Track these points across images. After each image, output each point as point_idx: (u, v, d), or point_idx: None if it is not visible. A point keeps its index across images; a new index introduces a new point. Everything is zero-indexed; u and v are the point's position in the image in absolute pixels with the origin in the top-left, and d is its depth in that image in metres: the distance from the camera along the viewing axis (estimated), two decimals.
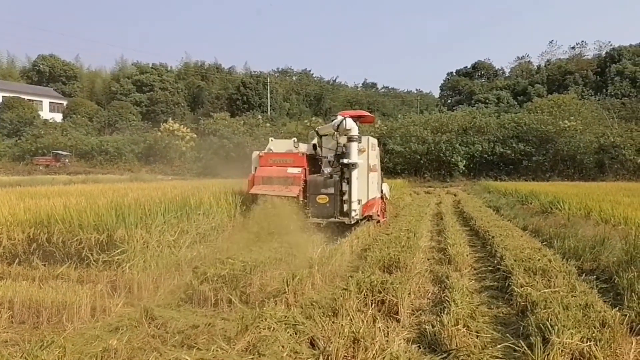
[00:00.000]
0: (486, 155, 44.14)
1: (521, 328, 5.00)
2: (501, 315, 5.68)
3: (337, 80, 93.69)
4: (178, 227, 8.30)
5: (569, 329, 4.34)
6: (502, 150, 43.70)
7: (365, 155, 11.42)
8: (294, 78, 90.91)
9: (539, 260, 7.53)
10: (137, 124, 64.21)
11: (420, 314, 5.62)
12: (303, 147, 11.78)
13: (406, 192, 26.28)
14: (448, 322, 4.73)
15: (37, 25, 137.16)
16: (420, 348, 4.67)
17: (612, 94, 61.86)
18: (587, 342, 4.19)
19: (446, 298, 5.66)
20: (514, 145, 43.57)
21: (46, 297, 5.51)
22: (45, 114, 67.13)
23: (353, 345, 4.39)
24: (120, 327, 5.08)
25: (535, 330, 4.55)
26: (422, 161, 44.61)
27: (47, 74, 79.04)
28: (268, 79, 76.01)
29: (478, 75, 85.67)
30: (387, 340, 4.61)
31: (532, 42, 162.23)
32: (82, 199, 9.73)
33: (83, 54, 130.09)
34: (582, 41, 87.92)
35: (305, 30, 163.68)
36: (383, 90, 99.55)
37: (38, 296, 5.55)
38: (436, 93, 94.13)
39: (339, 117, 11.01)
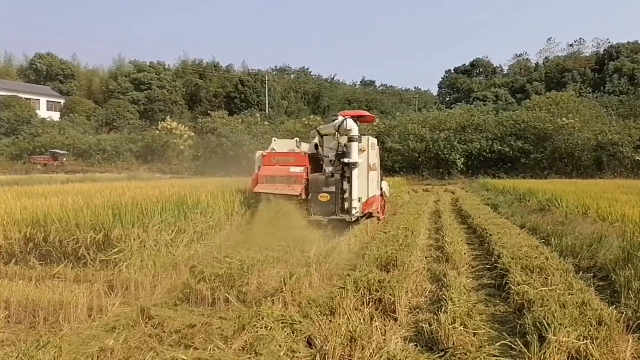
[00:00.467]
0: (484, 153, 44.15)
1: (518, 326, 5.01)
2: (498, 313, 5.68)
3: (335, 78, 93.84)
4: (175, 226, 8.30)
5: (565, 327, 4.34)
6: (500, 147, 43.71)
7: (365, 154, 11.64)
8: (292, 76, 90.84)
9: (536, 258, 7.54)
10: (134, 123, 64.10)
11: (418, 313, 5.61)
12: (305, 147, 12.06)
13: (404, 190, 26.29)
14: (445, 321, 4.74)
15: (35, 24, 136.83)
16: (417, 346, 4.67)
17: (610, 91, 61.94)
18: (583, 340, 4.20)
19: (443, 296, 5.66)
20: (512, 142, 43.60)
21: (43, 296, 5.49)
22: (43, 112, 66.88)
23: (350, 344, 4.38)
24: (117, 326, 5.07)
25: (532, 328, 4.55)
26: (420, 159, 44.62)
27: (45, 72, 78.80)
28: (266, 77, 75.96)
29: (476, 72, 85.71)
30: (384, 339, 4.61)
31: (530, 40, 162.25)
32: (79, 198, 9.72)
33: (80, 52, 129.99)
34: (580, 38, 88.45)
35: (303, 28, 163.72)
36: (381, 88, 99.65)
37: (34, 296, 5.53)
38: (434, 91, 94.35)
39: (340, 118, 11.25)
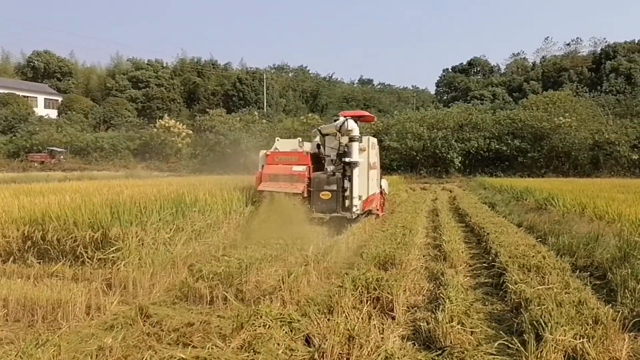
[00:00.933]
0: (482, 152, 44.22)
1: (515, 325, 5.04)
2: (495, 312, 5.70)
3: (333, 77, 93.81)
4: (173, 225, 8.28)
5: (562, 326, 4.36)
6: (497, 146, 43.79)
7: (365, 154, 11.96)
8: (290, 74, 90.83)
9: (533, 256, 7.57)
10: (132, 121, 64.03)
11: (415, 311, 5.63)
12: (307, 147, 12.40)
13: (402, 189, 26.30)
14: (443, 319, 4.76)
15: (32, 21, 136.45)
16: (415, 345, 4.69)
17: (607, 90, 62.04)
18: (580, 339, 4.22)
19: (441, 295, 5.68)
20: (509, 141, 43.69)
21: (41, 295, 5.48)
22: (40, 110, 66.79)
23: (348, 343, 4.39)
24: (115, 325, 5.07)
25: (529, 327, 4.58)
26: (418, 157, 44.67)
27: (42, 70, 78.65)
28: (264, 75, 75.91)
29: (474, 71, 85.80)
30: (382, 337, 4.62)
31: (527, 39, 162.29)
32: (77, 196, 9.70)
33: (78, 50, 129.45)
34: (577, 38, 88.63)
35: (302, 27, 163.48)
36: (379, 86, 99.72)
37: (33, 294, 5.53)
38: (432, 89, 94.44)
39: (342, 118, 11.58)
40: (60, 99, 72.44)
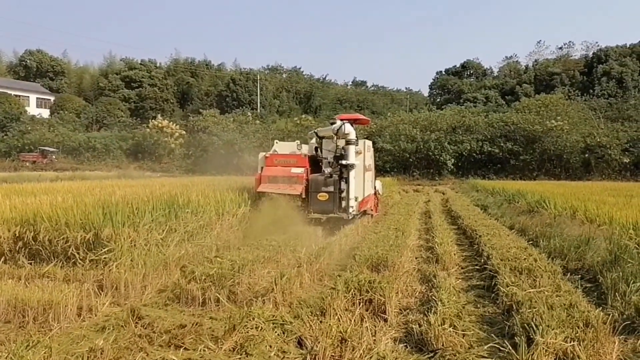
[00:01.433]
0: (474, 154, 44.41)
1: (506, 327, 5.07)
2: (487, 314, 5.73)
3: (327, 78, 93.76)
4: (166, 226, 8.26)
5: (553, 329, 4.39)
6: (490, 149, 44.00)
7: (361, 156, 12.43)
8: (284, 75, 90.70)
9: (524, 259, 7.60)
10: (125, 121, 63.77)
11: (408, 313, 5.64)
12: (305, 149, 12.68)
13: (395, 190, 26.37)
14: (435, 322, 4.77)
15: (25, 20, 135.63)
16: (407, 347, 4.70)
17: (599, 94, 62.39)
18: (570, 342, 4.24)
19: (433, 297, 5.70)
20: (501, 144, 43.91)
21: (32, 296, 5.45)
22: (32, 109, 66.33)
23: (340, 345, 4.41)
24: (106, 326, 5.05)
25: (520, 329, 4.61)
26: (411, 159, 44.78)
27: (35, 69, 78.15)
28: (258, 76, 75.82)
29: (467, 74, 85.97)
30: (375, 340, 4.64)
31: (520, 42, 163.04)
32: (69, 196, 9.65)
33: (71, 49, 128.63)
34: (570, 41, 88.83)
35: (296, 28, 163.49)
36: (373, 88, 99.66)
37: (24, 295, 5.49)
38: (425, 92, 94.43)
39: (339, 122, 11.95)
40: (52, 98, 72.03)
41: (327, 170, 12.18)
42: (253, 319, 4.84)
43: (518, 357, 4.10)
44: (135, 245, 7.32)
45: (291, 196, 11.52)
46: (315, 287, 6.81)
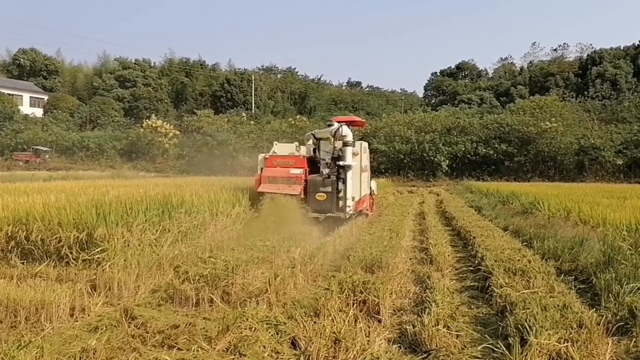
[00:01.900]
0: (469, 156, 44.49)
1: (500, 328, 5.07)
2: (481, 315, 5.74)
3: (321, 79, 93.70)
4: (160, 226, 8.25)
5: (546, 330, 4.39)
6: (484, 150, 44.08)
7: (358, 158, 12.81)
8: (278, 76, 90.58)
9: (518, 260, 7.62)
10: (119, 120, 63.58)
11: (402, 314, 5.65)
12: (304, 151, 12.91)
13: (389, 192, 26.38)
14: (429, 323, 4.77)
15: (18, 18, 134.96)
16: (400, 348, 4.70)
17: (593, 96, 62.63)
18: (564, 343, 4.25)
19: (427, 298, 5.70)
20: (496, 145, 43.99)
21: (24, 296, 5.41)
22: (26, 108, 66.01)
23: (334, 346, 4.39)
24: (99, 326, 5.04)
25: (514, 330, 4.61)
26: (405, 160, 44.80)
27: (28, 68, 77.73)
28: (252, 76, 75.73)
29: (462, 75, 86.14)
30: (368, 341, 4.63)
31: (515, 44, 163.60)
32: (62, 196, 9.61)
33: (65, 48, 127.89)
34: (564, 43, 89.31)
35: (291, 28, 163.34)
36: (367, 89, 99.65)
37: (16, 295, 5.45)
38: (420, 93, 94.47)
39: (336, 125, 12.32)
40: (46, 97, 71.70)
41: (325, 171, 12.51)
42: (247, 319, 4.83)
43: (512, 357, 4.10)
44: (128, 245, 7.30)
45: (290, 196, 11.78)
46: (309, 288, 6.80)
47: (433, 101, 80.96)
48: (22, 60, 77.94)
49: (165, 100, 73.39)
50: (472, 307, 6.06)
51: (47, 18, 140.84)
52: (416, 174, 44.57)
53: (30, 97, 71.26)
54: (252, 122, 56.32)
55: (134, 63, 79.46)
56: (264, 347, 4.48)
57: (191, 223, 9.18)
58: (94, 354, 4.20)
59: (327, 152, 12.74)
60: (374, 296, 5.64)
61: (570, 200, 13.75)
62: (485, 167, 44.54)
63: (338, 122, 12.50)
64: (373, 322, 5.32)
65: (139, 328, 5.00)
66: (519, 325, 4.63)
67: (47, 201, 8.70)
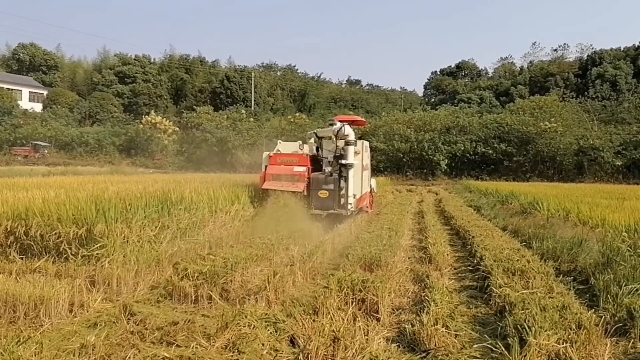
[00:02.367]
0: (468, 155, 44.46)
1: (499, 328, 5.07)
2: (480, 315, 5.74)
3: (321, 77, 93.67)
4: (159, 222, 8.25)
5: (545, 330, 4.40)
6: (483, 150, 44.04)
7: (359, 156, 13.16)
8: (278, 73, 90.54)
9: (517, 260, 7.62)
10: (118, 116, 63.56)
11: (400, 313, 5.65)
12: (307, 149, 13.16)
13: (388, 190, 26.39)
14: (427, 322, 4.77)
15: (18, 13, 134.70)
16: (399, 347, 4.70)
17: (593, 96, 62.66)
18: (563, 344, 4.26)
19: (426, 297, 5.70)
20: (495, 145, 43.96)
21: (23, 291, 5.40)
22: (25, 103, 65.88)
23: (333, 344, 4.39)
24: (98, 322, 5.03)
25: (513, 331, 4.62)
26: (404, 159, 44.75)
27: (27, 63, 77.55)
28: (252, 73, 75.65)
29: (462, 75, 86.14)
30: (367, 339, 4.64)
31: (515, 44, 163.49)
32: (61, 191, 9.60)
33: (64, 43, 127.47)
34: (565, 44, 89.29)
35: (291, 26, 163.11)
36: (367, 87, 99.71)
37: (15, 290, 5.44)
38: (420, 92, 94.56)
39: (338, 124, 12.63)
40: (45, 92, 71.54)
41: (328, 169, 12.85)
42: (246, 317, 4.84)
43: (511, 358, 4.11)
44: (127, 241, 7.30)
45: (294, 193, 12.09)
46: (308, 286, 6.80)
47: (433, 100, 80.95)
48: (21, 55, 77.76)
49: (165, 97, 73.33)
50: (471, 306, 6.06)
51: (47, 13, 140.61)
52: (415, 173, 44.53)
53: (29, 92, 71.10)
54: (251, 119, 56.24)
55: (134, 59, 79.39)
56: (263, 344, 4.47)
57: (190, 220, 9.18)
58: (92, 350, 4.20)
59: (330, 150, 13.03)
60: (373, 295, 5.64)
61: (569, 201, 13.75)
62: (484, 167, 44.53)
63: (340, 121, 12.80)
64: (372, 320, 5.32)
65: (137, 324, 5.00)
66: (518, 326, 4.64)
67: (46, 196, 8.69)
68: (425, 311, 5.11)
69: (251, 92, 72.89)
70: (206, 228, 9.55)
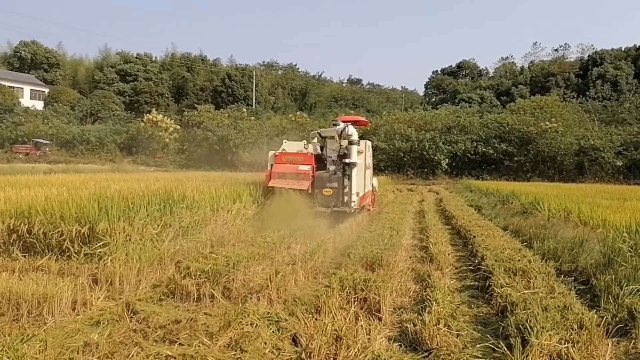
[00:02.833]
0: (469, 154, 44.45)
1: (501, 328, 5.08)
2: (481, 315, 5.75)
3: (322, 76, 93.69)
4: (161, 221, 8.26)
5: (547, 331, 4.41)
6: (484, 149, 44.03)
7: (362, 156, 13.45)
8: (279, 72, 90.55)
9: (519, 260, 7.62)
10: (119, 114, 63.52)
11: (402, 313, 5.67)
12: (311, 148, 13.46)
13: (389, 189, 26.38)
14: (429, 321, 4.79)
15: (20, 11, 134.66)
16: (401, 346, 4.72)
17: (594, 96, 62.61)
18: (565, 344, 4.27)
19: (428, 297, 5.72)
20: (496, 145, 43.94)
21: (26, 289, 5.42)
22: (26, 101, 65.91)
23: (335, 343, 4.41)
24: (101, 321, 5.05)
25: (515, 331, 4.63)
26: (405, 158, 44.73)
27: (29, 60, 77.54)
28: (254, 72, 75.63)
29: (462, 74, 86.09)
30: (369, 339, 4.65)
31: (516, 44, 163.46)
32: (63, 189, 9.61)
33: (66, 41, 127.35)
34: (566, 44, 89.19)
35: (292, 24, 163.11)
36: (368, 86, 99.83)
37: (18, 288, 5.46)
38: (421, 91, 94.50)
39: (342, 124, 12.97)
40: (46, 90, 71.53)
41: (332, 167, 13.15)
42: (248, 315, 4.85)
43: (513, 358, 4.12)
44: (130, 239, 7.32)
45: (299, 191, 12.39)
46: (310, 285, 6.81)
47: (433, 99, 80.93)
48: (23, 52, 77.76)
49: (166, 95, 73.34)
50: (473, 306, 6.07)
51: (48, 11, 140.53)
52: (416, 172, 44.53)
53: (31, 89, 71.11)
54: (252, 117, 56.24)
55: (136, 57, 79.39)
56: (265, 343, 4.48)
57: (192, 218, 9.20)
58: (96, 348, 4.22)
59: (334, 150, 13.29)
60: (375, 294, 5.66)
61: (570, 201, 13.75)
62: (485, 166, 44.51)
63: (344, 122, 13.09)
64: (374, 320, 5.34)
65: (140, 323, 5.03)
66: (520, 326, 4.65)
67: (49, 194, 8.71)
68: (427, 311, 5.13)
69: (252, 91, 72.89)
70: (208, 226, 9.56)
